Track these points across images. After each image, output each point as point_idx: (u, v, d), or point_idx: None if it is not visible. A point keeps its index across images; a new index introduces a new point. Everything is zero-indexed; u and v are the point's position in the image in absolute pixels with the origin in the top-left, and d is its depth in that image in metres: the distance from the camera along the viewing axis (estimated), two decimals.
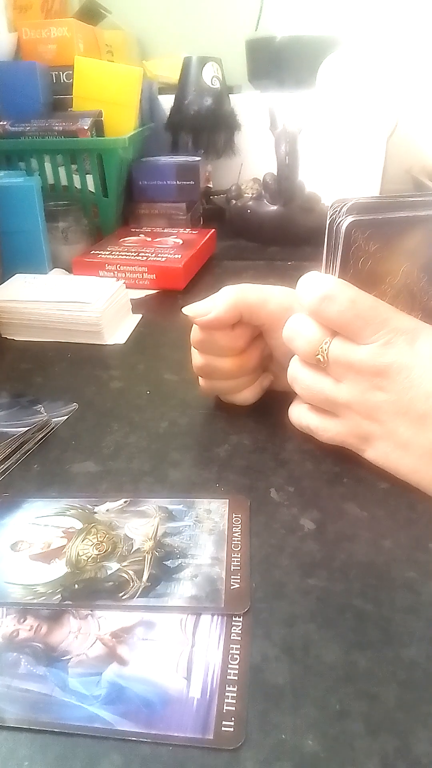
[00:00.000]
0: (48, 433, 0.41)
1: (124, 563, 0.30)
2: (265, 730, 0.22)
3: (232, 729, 0.22)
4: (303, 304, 0.34)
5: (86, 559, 0.30)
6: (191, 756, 0.21)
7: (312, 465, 0.37)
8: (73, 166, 0.79)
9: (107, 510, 0.33)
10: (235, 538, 0.31)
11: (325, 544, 0.31)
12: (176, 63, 1.00)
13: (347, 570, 0.29)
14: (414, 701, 0.23)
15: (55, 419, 0.42)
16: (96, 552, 0.30)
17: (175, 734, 0.22)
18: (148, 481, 0.36)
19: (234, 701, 0.23)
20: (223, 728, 0.22)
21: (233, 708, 0.23)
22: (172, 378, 0.48)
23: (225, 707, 0.23)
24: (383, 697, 0.23)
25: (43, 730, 0.22)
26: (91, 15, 1.01)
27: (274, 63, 1.05)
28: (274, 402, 0.44)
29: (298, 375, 0.35)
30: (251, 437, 0.40)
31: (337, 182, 0.96)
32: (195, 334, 0.40)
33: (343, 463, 0.36)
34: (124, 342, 0.56)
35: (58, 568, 0.29)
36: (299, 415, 0.37)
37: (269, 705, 0.23)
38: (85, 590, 0.28)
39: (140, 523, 0.32)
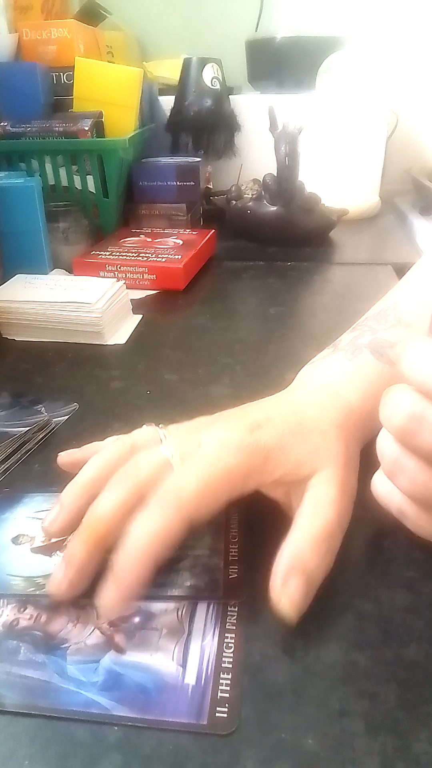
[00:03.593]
0: (48, 432, 0.41)
1: None
2: (265, 729, 0.22)
3: (225, 715, 0.22)
4: (425, 389, 0.25)
5: None
6: (191, 755, 0.21)
7: None
8: (73, 166, 0.79)
9: None
10: (233, 530, 0.31)
11: None
12: (176, 64, 1.00)
13: (347, 569, 0.29)
14: (414, 701, 0.23)
15: (56, 419, 0.42)
16: None
17: (170, 719, 0.22)
18: None
19: (228, 688, 0.23)
20: (217, 714, 0.22)
21: (227, 695, 0.23)
22: (172, 378, 0.48)
23: (219, 694, 0.23)
24: (383, 696, 0.23)
25: (41, 715, 0.23)
26: (91, 16, 1.01)
27: (274, 64, 1.06)
28: None
29: (406, 465, 0.26)
30: None
31: (337, 183, 0.96)
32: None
33: None
34: (124, 342, 0.56)
35: (59, 561, 0.30)
36: (390, 495, 0.28)
37: (269, 704, 0.23)
38: None
39: None
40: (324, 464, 0.30)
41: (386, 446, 0.27)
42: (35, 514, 0.33)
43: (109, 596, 0.25)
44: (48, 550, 0.31)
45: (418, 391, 0.25)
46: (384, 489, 0.28)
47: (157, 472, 0.28)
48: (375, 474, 0.29)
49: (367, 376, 0.37)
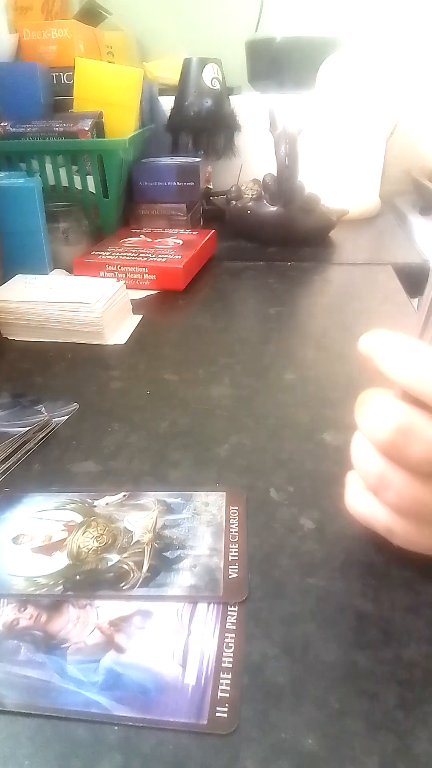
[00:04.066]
0: (49, 432, 0.41)
1: (125, 555, 0.30)
2: (265, 729, 0.22)
3: (225, 715, 0.22)
4: (417, 392, 0.24)
5: (87, 551, 0.30)
6: (191, 755, 0.21)
7: (312, 465, 0.37)
8: (73, 167, 0.79)
9: (107, 504, 0.34)
10: (233, 530, 0.31)
11: (324, 543, 0.31)
12: (176, 64, 1.00)
13: (347, 569, 0.29)
14: (414, 700, 0.23)
15: (56, 419, 0.42)
16: (97, 544, 0.31)
17: (170, 719, 0.22)
18: (148, 481, 0.36)
19: (228, 688, 0.23)
20: (217, 714, 0.22)
21: (227, 695, 0.23)
22: (172, 378, 0.48)
23: (219, 694, 0.23)
24: (383, 696, 0.23)
25: (41, 714, 0.23)
26: (91, 16, 1.01)
27: (273, 64, 1.06)
28: (275, 401, 0.44)
29: (393, 479, 0.25)
30: (251, 437, 0.40)
31: (337, 183, 0.96)
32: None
33: (342, 463, 0.36)
34: (124, 342, 0.56)
35: (60, 560, 0.30)
36: (374, 513, 0.27)
37: (269, 704, 0.23)
38: (87, 581, 0.29)
39: (139, 516, 0.33)
40: None
41: (368, 460, 0.26)
42: (35, 514, 0.33)
43: None
44: (48, 550, 0.31)
45: (402, 396, 0.25)
46: (366, 507, 0.27)
47: None
48: (349, 492, 0.29)
49: None
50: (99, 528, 0.32)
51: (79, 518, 0.33)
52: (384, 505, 0.27)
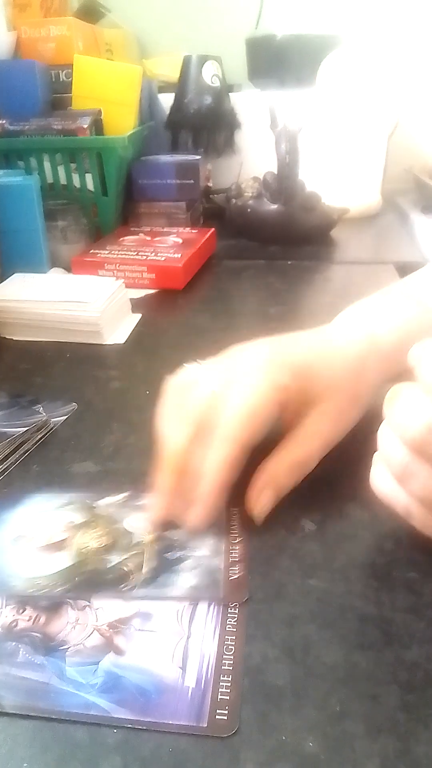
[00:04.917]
0: (47, 433, 0.40)
1: (125, 556, 0.30)
2: (265, 732, 0.22)
3: (225, 717, 0.22)
4: None
5: (87, 552, 0.30)
6: (191, 757, 0.21)
7: None
8: (72, 165, 0.79)
9: (107, 504, 0.34)
10: (233, 531, 0.31)
11: (325, 544, 0.30)
12: (176, 61, 1.00)
13: (348, 571, 0.29)
14: (415, 702, 0.23)
15: (55, 419, 0.42)
16: (97, 545, 0.31)
17: (170, 722, 0.22)
18: (147, 482, 0.36)
19: (228, 691, 0.23)
20: (216, 716, 0.22)
21: (227, 697, 0.23)
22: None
23: (219, 696, 0.23)
24: (384, 698, 0.23)
25: (40, 716, 0.23)
26: (90, 13, 1.01)
27: (274, 61, 1.05)
28: None
29: (418, 471, 0.26)
30: None
31: (338, 181, 0.96)
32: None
33: (343, 463, 0.36)
34: (123, 342, 0.55)
35: (60, 561, 0.30)
36: (396, 495, 0.28)
37: (269, 706, 0.23)
38: (87, 582, 0.28)
39: (140, 517, 0.33)
40: (329, 396, 0.33)
41: (395, 450, 0.27)
42: (35, 514, 0.33)
43: (197, 514, 0.30)
44: (48, 550, 0.31)
45: None
46: (389, 489, 0.28)
47: (208, 406, 0.32)
48: (374, 469, 0.29)
49: (397, 311, 0.39)
50: (99, 529, 0.32)
51: (79, 519, 0.33)
52: (406, 492, 0.27)
